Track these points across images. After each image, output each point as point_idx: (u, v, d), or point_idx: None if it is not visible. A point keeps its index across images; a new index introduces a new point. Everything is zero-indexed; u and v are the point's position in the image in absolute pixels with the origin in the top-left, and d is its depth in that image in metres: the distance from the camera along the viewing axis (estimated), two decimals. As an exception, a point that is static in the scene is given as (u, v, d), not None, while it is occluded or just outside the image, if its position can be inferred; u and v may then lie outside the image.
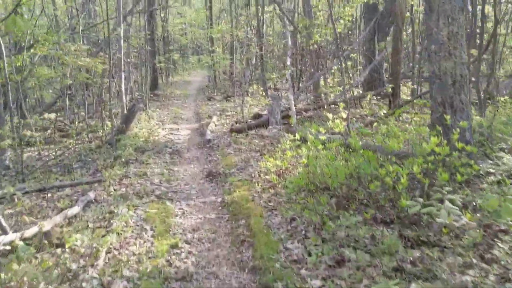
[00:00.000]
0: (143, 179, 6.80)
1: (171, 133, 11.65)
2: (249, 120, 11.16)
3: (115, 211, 5.33)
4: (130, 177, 6.80)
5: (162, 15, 29.37)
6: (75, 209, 5.23)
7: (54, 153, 8.25)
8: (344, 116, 6.86)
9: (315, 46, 12.32)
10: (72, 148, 9.24)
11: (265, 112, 13.40)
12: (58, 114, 15.81)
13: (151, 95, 21.52)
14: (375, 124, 8.77)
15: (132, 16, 19.31)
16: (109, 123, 10.97)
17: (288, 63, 12.37)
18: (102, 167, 7.52)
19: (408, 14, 11.02)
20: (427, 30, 5.59)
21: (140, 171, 7.08)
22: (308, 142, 5.96)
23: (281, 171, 6.39)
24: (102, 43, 16.19)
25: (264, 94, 16.42)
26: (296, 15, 18.83)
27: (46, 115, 16.56)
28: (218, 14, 27.90)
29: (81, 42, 17.26)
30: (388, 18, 13.75)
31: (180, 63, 35.33)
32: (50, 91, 17.17)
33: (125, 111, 9.85)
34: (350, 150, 5.84)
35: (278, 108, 10.03)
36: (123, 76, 10.21)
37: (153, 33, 22.14)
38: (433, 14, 5.18)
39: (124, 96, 10.19)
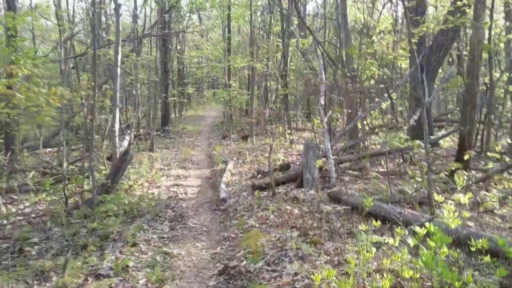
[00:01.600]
0: (119, 281, 4.21)
1: (177, 184, 9.13)
2: (275, 173, 8.63)
3: None
4: (100, 279, 4.22)
5: (178, 47, 27.63)
6: None
7: (5, 219, 5.75)
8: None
9: (357, 81, 9.91)
10: (43, 207, 6.77)
11: (293, 160, 10.88)
12: (55, 150, 13.51)
13: (161, 131, 19.24)
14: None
15: (140, 44, 17.28)
16: (98, 172, 8.54)
17: (322, 102, 9.94)
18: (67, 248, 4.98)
19: (486, 43, 8.57)
20: None
21: (119, 264, 4.49)
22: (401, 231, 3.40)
23: None
24: (107, 72, 14.05)
25: (287, 135, 13.96)
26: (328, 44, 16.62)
27: (41, 150, 14.31)
28: (236, 48, 25.96)
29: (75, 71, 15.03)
30: (439, 52, 11.34)
31: (194, 97, 33.39)
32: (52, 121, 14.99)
33: (118, 157, 7.39)
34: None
35: (314, 160, 7.50)
36: (117, 113, 7.84)
37: (167, 64, 20.11)
38: None
39: (116, 139, 7.78)
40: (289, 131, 13.75)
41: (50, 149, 14.44)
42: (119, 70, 7.89)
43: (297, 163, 10.08)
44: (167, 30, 19.02)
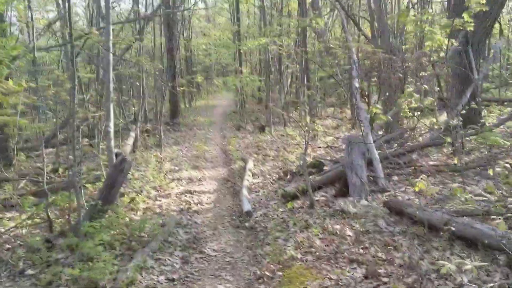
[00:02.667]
0: None
1: (189, 191, 7.52)
2: (308, 174, 6.96)
3: None
4: None
5: (185, 34, 25.84)
6: None
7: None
8: None
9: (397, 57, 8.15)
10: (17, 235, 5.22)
11: (322, 155, 9.20)
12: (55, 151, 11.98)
13: (171, 124, 17.65)
14: None
15: (143, 30, 15.56)
16: (92, 185, 6.98)
17: (356, 84, 8.19)
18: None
19: None
20: None
21: None
22: None
23: None
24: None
25: (309, 124, 12.23)
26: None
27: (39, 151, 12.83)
28: (246, 31, 24.11)
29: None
30: (486, 22, 9.46)
31: (204, 86, 31.65)
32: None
33: (113, 166, 5.77)
34: None
35: (361, 159, 5.82)
36: (111, 109, 6.20)
37: (173, 51, 18.40)
38: None
39: (111, 142, 6.15)
40: (313, 120, 12.04)
41: (51, 149, 12.96)
42: (111, 56, 6.23)
43: (328, 159, 8.39)
44: (171, 14, 17.26)
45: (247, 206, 6.01)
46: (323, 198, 5.99)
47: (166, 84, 13.69)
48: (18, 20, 12.03)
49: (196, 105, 24.64)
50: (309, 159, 8.44)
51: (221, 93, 31.70)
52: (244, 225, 5.69)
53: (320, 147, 10.19)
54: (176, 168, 9.39)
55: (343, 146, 7.77)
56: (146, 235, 5.07)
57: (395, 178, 6.59)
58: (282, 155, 9.63)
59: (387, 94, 9.00)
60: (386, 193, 5.85)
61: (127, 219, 5.60)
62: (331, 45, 10.62)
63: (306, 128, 7.61)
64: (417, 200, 5.10)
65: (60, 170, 9.02)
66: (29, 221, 5.52)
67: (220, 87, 31.44)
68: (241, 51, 19.79)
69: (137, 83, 13.83)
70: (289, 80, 18.42)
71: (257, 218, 5.78)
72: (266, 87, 15.99)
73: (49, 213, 5.24)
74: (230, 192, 7.53)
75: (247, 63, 23.52)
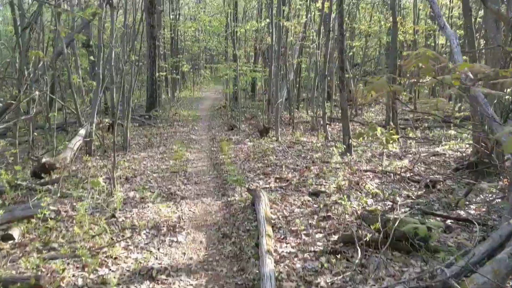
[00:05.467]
0: None
1: (149, 273, 3.52)
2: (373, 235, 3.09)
3: None
4: None
5: (172, 15, 21.56)
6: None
7: None
8: None
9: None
10: None
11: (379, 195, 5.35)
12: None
13: (146, 117, 13.49)
14: None
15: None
16: None
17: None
18: None
19: None
20: None
21: None
22: None
23: None
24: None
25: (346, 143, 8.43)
26: None
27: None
28: (243, 13, 20.04)
29: None
30: None
31: (190, 76, 27.40)
32: None
33: None
34: None
35: None
36: None
37: (154, 29, 14.18)
38: None
39: None
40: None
41: None
42: None
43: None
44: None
45: None
46: None
47: (134, 64, 9.55)
48: None
49: (180, 96, 20.45)
50: (367, 204, 4.57)
51: (209, 84, 27.54)
52: None
53: (364, 170, 6.32)
54: (137, 196, 5.35)
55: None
56: None
57: None
58: (313, 181, 5.72)
59: None
60: None
61: None
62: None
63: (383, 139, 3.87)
64: None
65: None
66: None
67: (208, 77, 27.28)
68: (237, 34, 15.70)
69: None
70: (291, 74, 14.48)
71: None
72: (269, 78, 12.01)
73: None
74: (235, 271, 3.57)
75: (243, 51, 19.41)
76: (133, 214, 4.68)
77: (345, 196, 4.81)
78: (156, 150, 8.96)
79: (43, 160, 5.66)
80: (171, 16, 21.35)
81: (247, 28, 14.48)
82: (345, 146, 7.50)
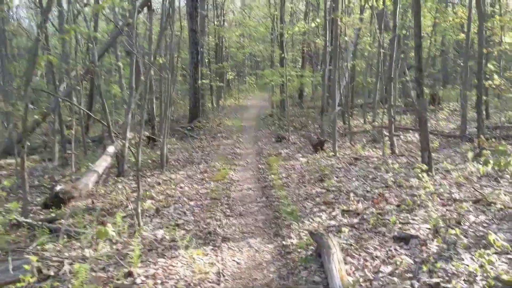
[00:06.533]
0: None
1: None
2: None
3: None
4: None
5: (216, 22, 20.66)
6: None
7: None
8: None
9: None
10: None
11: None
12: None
13: (188, 129, 12.47)
14: None
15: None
16: None
17: None
18: None
19: None
20: None
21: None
22: None
23: None
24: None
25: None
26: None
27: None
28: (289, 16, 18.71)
29: None
30: None
31: (235, 84, 26.42)
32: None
33: None
34: None
35: None
36: None
37: (196, 34, 13.19)
38: None
39: None
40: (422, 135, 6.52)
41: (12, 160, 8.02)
42: None
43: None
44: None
45: None
46: None
47: (172, 71, 8.49)
48: None
49: (224, 105, 19.42)
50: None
51: (254, 92, 26.38)
52: None
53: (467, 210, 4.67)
54: (166, 238, 4.12)
55: None
56: None
57: None
58: (396, 218, 4.18)
59: None
60: None
61: None
62: None
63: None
64: None
65: None
66: None
67: (252, 85, 26.12)
68: (285, 36, 14.33)
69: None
70: (345, 77, 12.84)
71: None
72: (322, 83, 10.52)
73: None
74: None
75: (290, 55, 18.03)
76: (158, 269, 3.43)
77: (452, 249, 3.27)
78: (196, 168, 7.80)
79: (57, 188, 4.62)
80: (216, 22, 20.46)
81: (295, 30, 13.09)
82: (424, 165, 5.87)
